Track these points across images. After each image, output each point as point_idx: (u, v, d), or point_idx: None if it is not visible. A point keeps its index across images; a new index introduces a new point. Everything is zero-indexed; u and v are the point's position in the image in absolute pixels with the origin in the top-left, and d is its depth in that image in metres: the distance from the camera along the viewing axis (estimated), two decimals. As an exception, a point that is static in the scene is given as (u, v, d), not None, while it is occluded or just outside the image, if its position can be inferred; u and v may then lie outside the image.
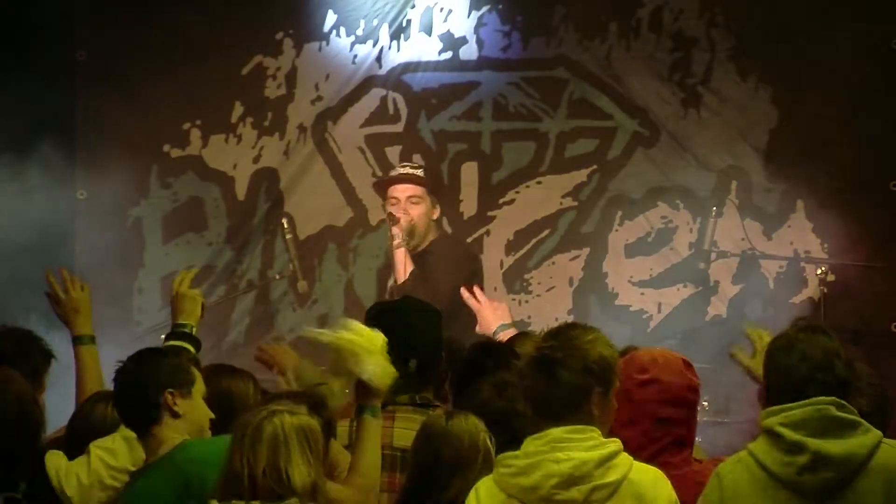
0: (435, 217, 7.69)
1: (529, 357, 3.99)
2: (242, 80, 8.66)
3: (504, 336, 6.34)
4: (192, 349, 4.76)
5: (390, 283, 7.67)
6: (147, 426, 4.21)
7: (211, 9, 8.57)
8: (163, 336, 4.83)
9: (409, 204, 7.50)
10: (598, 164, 8.44)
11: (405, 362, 4.64)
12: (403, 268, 7.36)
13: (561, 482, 3.80)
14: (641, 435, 4.19)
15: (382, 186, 7.76)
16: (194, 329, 4.82)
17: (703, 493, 3.96)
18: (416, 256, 7.52)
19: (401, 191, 7.54)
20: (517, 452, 3.92)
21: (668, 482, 3.88)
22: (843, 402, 3.88)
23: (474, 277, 7.56)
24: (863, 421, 3.90)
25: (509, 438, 4.09)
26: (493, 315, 6.75)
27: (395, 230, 7.42)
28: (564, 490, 3.80)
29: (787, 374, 3.93)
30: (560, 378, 3.88)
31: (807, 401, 3.88)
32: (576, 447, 3.83)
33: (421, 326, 4.85)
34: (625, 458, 3.87)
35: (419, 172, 7.63)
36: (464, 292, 6.98)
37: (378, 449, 4.39)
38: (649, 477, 3.87)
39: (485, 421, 4.20)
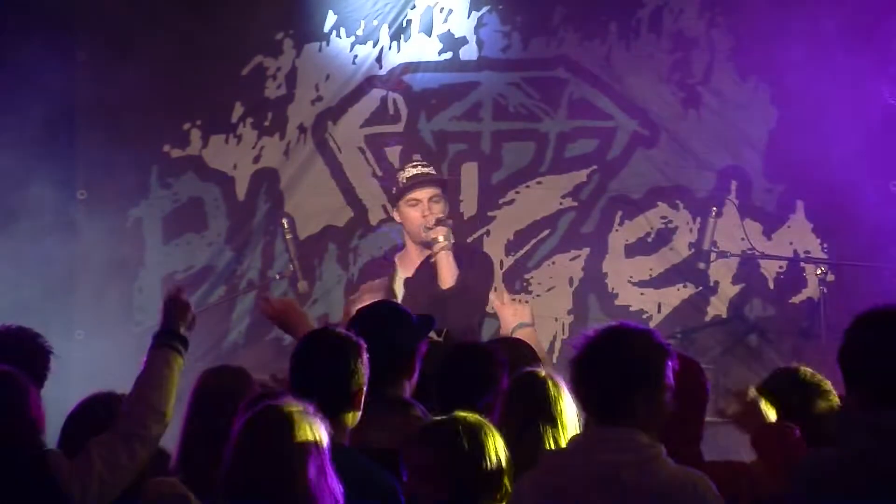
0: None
1: (574, 357, 3.93)
2: (242, 81, 8.66)
3: (521, 334, 6.30)
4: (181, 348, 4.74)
5: (399, 276, 7.42)
6: None
7: (211, 9, 8.57)
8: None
9: (432, 203, 7.27)
10: (597, 165, 8.44)
11: None
12: (450, 271, 7.20)
13: (591, 482, 3.77)
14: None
15: (401, 192, 7.38)
16: (184, 330, 4.80)
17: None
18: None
19: (423, 192, 7.27)
20: (559, 449, 3.90)
21: (709, 486, 3.81)
22: None
23: (491, 276, 7.44)
24: None
25: None
26: (512, 316, 6.67)
27: (440, 231, 7.12)
28: (594, 490, 3.77)
29: None
30: (602, 380, 3.84)
31: None
32: (612, 448, 3.79)
33: (373, 325, 4.85)
34: (663, 462, 3.81)
35: (432, 171, 7.45)
36: (491, 294, 6.96)
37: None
38: (687, 482, 3.80)
39: None
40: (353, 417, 4.45)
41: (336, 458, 4.03)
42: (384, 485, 4.27)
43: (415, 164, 7.48)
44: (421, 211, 7.23)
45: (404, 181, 7.34)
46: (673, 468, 3.81)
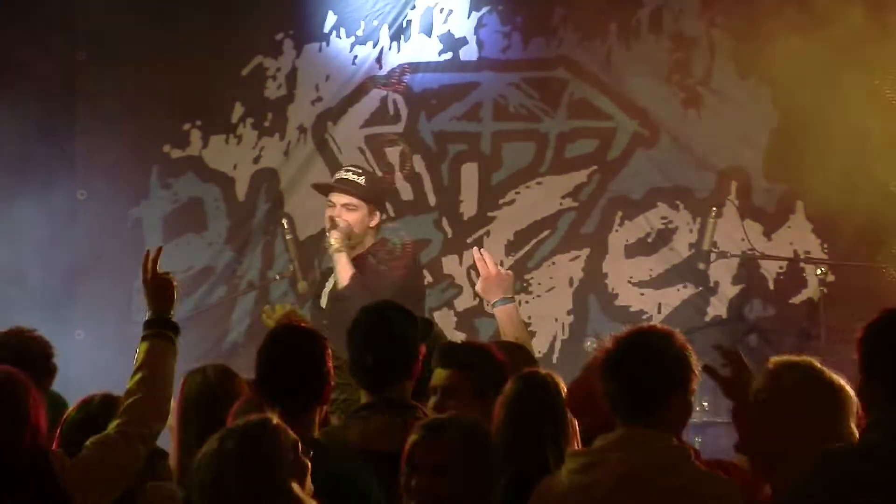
0: (373, 224, 7.49)
1: (604, 358, 3.91)
2: (243, 81, 8.66)
3: (502, 311, 6.17)
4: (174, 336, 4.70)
5: (328, 287, 7.50)
6: None
7: (211, 9, 8.58)
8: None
9: (345, 210, 7.37)
10: (598, 165, 8.45)
11: (363, 357, 4.71)
12: (346, 272, 7.34)
13: (615, 483, 3.76)
14: None
15: (323, 190, 7.59)
16: (173, 314, 4.74)
17: None
18: (354, 261, 7.40)
19: (337, 197, 7.40)
20: (585, 449, 3.90)
21: (735, 489, 3.79)
22: None
23: (413, 288, 7.44)
24: None
25: None
26: (497, 284, 6.46)
27: (333, 234, 7.33)
28: (617, 491, 3.75)
29: None
30: (639, 380, 3.82)
31: None
32: (638, 449, 3.78)
33: (382, 324, 4.84)
34: (690, 465, 3.81)
35: (360, 180, 7.45)
36: (475, 253, 6.77)
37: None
38: (713, 484, 3.78)
39: None
40: (321, 411, 4.46)
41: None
42: (361, 480, 4.29)
43: (347, 168, 7.55)
44: (331, 213, 7.33)
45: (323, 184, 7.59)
46: (700, 470, 3.80)
